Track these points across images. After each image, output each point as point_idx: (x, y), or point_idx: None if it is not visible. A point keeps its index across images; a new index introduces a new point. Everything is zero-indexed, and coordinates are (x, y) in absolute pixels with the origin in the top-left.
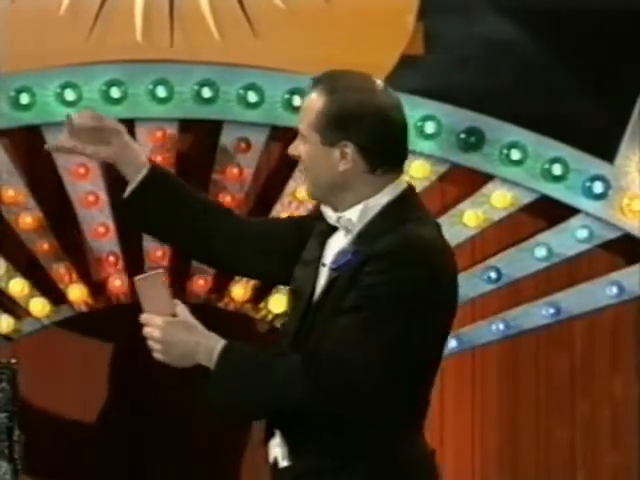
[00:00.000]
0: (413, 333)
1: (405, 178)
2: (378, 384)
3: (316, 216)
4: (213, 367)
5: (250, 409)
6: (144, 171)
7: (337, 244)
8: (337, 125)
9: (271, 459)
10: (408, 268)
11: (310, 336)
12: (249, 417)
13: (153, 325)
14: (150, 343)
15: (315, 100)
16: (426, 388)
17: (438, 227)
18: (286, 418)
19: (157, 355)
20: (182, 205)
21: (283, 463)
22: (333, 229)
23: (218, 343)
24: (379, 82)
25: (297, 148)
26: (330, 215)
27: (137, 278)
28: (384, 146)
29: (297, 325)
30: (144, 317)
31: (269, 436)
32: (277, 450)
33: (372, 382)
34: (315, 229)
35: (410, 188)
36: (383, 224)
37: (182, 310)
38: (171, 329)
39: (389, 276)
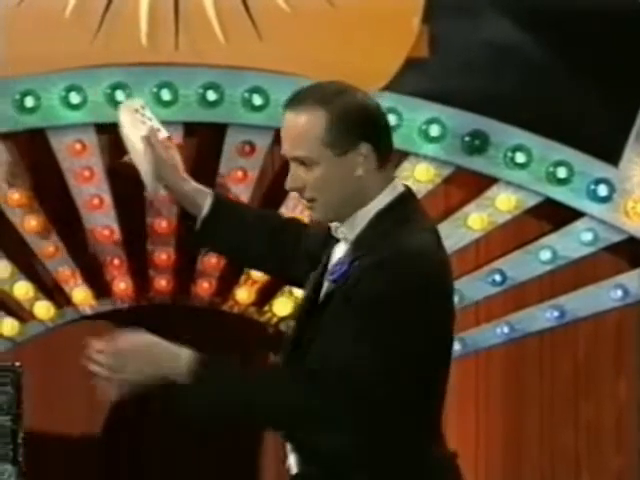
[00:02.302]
0: (407, 337)
1: (408, 182)
2: (382, 392)
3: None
4: (187, 374)
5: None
6: (209, 199)
7: (339, 253)
8: (348, 130)
9: (287, 465)
10: (398, 277)
11: (307, 345)
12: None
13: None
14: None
15: (308, 119)
16: (436, 393)
17: (435, 233)
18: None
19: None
20: (249, 225)
21: (294, 470)
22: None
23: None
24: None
25: (299, 179)
26: (331, 224)
27: None
28: (386, 138)
29: (296, 332)
30: None
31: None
32: (291, 457)
33: (376, 390)
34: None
35: (408, 191)
36: (379, 229)
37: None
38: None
39: (379, 286)
